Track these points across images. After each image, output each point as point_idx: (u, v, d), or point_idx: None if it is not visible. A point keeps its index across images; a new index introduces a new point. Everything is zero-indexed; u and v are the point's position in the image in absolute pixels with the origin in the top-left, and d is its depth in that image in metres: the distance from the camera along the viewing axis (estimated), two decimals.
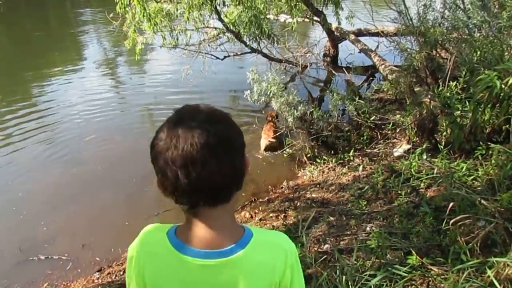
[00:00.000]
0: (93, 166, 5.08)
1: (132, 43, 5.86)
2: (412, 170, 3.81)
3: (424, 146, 4.09)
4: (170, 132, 0.82)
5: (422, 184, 3.64)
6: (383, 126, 5.30)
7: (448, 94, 4.28)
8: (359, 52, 7.15)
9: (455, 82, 4.35)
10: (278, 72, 5.68)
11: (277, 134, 5.04)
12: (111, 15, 5.85)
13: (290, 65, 7.41)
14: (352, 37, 7.23)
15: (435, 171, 3.56)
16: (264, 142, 5.10)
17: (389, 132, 5.12)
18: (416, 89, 4.91)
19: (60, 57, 10.20)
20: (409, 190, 3.64)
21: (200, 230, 0.86)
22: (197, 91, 7.00)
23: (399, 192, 3.61)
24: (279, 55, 7.52)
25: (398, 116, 5.14)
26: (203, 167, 0.77)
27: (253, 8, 5.50)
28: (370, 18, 6.56)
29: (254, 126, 5.66)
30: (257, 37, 5.98)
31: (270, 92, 4.59)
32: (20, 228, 4.07)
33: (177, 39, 6.44)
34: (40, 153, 5.40)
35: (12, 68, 9.26)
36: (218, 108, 0.88)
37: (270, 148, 5.12)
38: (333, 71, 7.49)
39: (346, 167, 4.70)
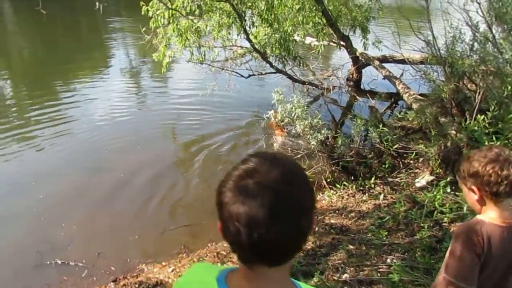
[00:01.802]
0: (114, 174, 5.17)
1: (162, 57, 6.01)
2: (436, 203, 3.74)
3: (448, 179, 4.02)
4: (240, 185, 0.78)
5: (445, 218, 3.57)
6: (405, 155, 5.24)
7: (475, 127, 4.21)
8: (383, 79, 7.15)
9: (482, 116, 4.29)
10: (301, 94, 5.75)
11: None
12: (143, 29, 6.03)
13: (313, 87, 7.44)
14: (377, 63, 7.26)
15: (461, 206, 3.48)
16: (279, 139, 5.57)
17: (411, 161, 5.05)
18: (442, 119, 4.87)
19: (88, 64, 10.57)
20: (432, 224, 3.57)
21: (252, 285, 0.83)
22: (220, 108, 7.13)
23: (422, 224, 3.55)
24: (302, 76, 7.59)
25: (421, 146, 5.08)
26: (267, 230, 0.73)
27: (281, 30, 5.60)
28: (395, 44, 6.58)
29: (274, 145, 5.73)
30: (283, 59, 6.06)
31: (295, 114, 4.59)
32: (39, 230, 4.15)
33: (204, 55, 6.57)
34: (63, 157, 5.55)
35: (41, 72, 9.65)
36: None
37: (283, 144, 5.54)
38: (356, 96, 7.53)
39: (367, 194, 4.65)
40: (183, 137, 6.25)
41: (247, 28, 5.93)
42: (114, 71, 9.87)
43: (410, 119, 5.87)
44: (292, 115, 4.70)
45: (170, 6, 5.00)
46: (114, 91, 8.26)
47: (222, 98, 7.40)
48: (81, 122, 6.66)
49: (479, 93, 4.49)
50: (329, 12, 6.49)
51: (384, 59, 7.64)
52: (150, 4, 5.46)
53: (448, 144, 4.32)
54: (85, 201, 4.62)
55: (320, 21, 6.37)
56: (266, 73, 7.22)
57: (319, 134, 4.59)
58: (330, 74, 8.00)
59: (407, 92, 6.14)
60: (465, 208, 3.47)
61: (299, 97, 4.75)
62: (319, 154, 5.09)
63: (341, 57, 7.81)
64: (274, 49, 5.63)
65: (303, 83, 7.27)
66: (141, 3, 5.52)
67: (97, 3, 5.98)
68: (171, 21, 5.06)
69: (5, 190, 4.76)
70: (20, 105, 7.52)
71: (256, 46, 6.17)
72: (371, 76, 7.91)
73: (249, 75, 7.08)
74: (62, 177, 5.08)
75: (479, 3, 4.77)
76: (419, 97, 5.86)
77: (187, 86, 8.36)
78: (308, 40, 7.90)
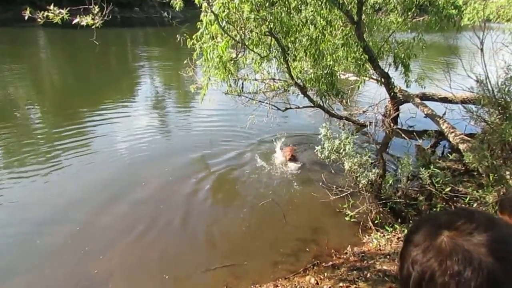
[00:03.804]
0: (150, 207, 5.13)
1: (205, 89, 6.10)
2: None
3: None
4: (440, 247, 0.67)
5: None
6: (455, 198, 5.04)
7: None
8: (425, 117, 7.07)
9: None
10: (342, 129, 5.69)
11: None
12: (185, 61, 6.19)
13: (349, 122, 7.40)
14: (417, 100, 7.20)
15: None
16: (287, 156, 6.20)
17: (464, 206, 4.84)
18: (499, 163, 4.69)
19: (116, 93, 10.88)
20: None
21: None
22: (253, 139, 7.16)
23: None
24: (338, 111, 7.59)
25: (471, 189, 4.90)
26: None
27: (326, 65, 5.63)
28: (432, 83, 6.58)
29: (320, 184, 5.70)
30: (325, 93, 6.06)
31: (343, 150, 4.50)
32: (77, 264, 4.05)
33: (242, 87, 6.65)
34: (95, 188, 5.52)
35: (69, 101, 9.92)
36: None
37: (293, 159, 6.21)
38: (393, 133, 7.43)
39: None
40: (218, 170, 6.23)
41: (289, 62, 5.98)
42: (142, 102, 10.09)
43: (467, 161, 5.69)
44: (340, 151, 4.57)
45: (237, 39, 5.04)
46: (148, 121, 8.44)
47: (255, 130, 7.47)
48: (112, 154, 6.71)
49: None
50: (370, 49, 6.53)
51: (424, 97, 7.60)
52: (196, 36, 5.59)
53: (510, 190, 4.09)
54: (123, 234, 4.55)
55: (361, 57, 6.39)
56: (303, 107, 7.24)
57: (370, 173, 4.43)
58: (366, 110, 8.02)
59: (452, 132, 6.00)
60: None
61: (348, 133, 4.63)
62: (366, 193, 4.93)
63: (378, 91, 7.79)
64: (320, 83, 5.63)
65: (340, 118, 7.23)
66: (186, 36, 5.65)
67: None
68: (220, 51, 5.12)
69: (40, 220, 4.71)
70: (49, 134, 7.60)
71: (297, 81, 6.18)
72: (409, 113, 7.85)
73: (286, 108, 7.12)
74: (96, 209, 5.03)
75: None
76: (466, 137, 5.70)
77: (222, 118, 8.49)
78: (345, 75, 7.96)
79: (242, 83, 6.66)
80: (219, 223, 4.88)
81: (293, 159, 6.26)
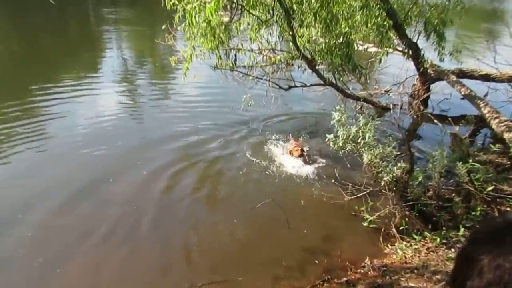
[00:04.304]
0: (121, 207, 5.12)
1: (188, 65, 6.03)
2: None
3: None
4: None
5: None
6: (498, 200, 5.09)
7: None
8: (462, 98, 7.10)
9: None
10: (360, 114, 5.71)
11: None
12: (163, 27, 6.10)
13: (369, 105, 7.41)
14: (453, 78, 7.21)
15: None
16: (294, 152, 6.19)
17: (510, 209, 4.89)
18: None
19: (75, 65, 10.76)
20: None
21: None
22: (247, 125, 7.17)
23: None
24: (355, 91, 7.59)
25: None
26: None
27: (339, 33, 5.59)
28: (478, 55, 6.58)
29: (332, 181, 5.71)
30: (338, 68, 6.03)
31: (361, 140, 4.50)
32: (27, 279, 4.04)
33: (235, 59, 6.59)
34: (52, 183, 5.50)
35: (15, 74, 9.72)
36: None
37: (301, 156, 6.17)
38: (421, 119, 7.48)
39: (453, 250, 4.47)
40: (206, 160, 6.25)
41: (295, 28, 5.92)
42: (107, 73, 10.02)
43: (500, 152, 5.72)
44: (358, 140, 4.57)
45: None
46: (121, 105, 8.34)
47: (251, 113, 7.48)
48: (74, 138, 6.70)
49: None
50: (395, 13, 6.49)
51: (461, 74, 7.60)
52: None
53: None
54: (86, 242, 4.52)
55: (384, 23, 6.35)
56: (311, 85, 7.23)
57: (394, 168, 4.44)
58: (388, 89, 8.03)
59: (496, 118, 6.02)
60: None
61: (367, 118, 4.62)
62: (389, 193, 4.96)
63: (403, 67, 7.76)
64: (332, 56, 5.59)
65: (357, 99, 7.23)
66: None
67: None
68: (208, 12, 5.05)
69: None
70: None
71: (304, 52, 6.15)
72: (442, 94, 7.86)
73: (290, 87, 7.09)
74: (53, 209, 5.00)
75: None
76: None
77: (209, 98, 8.49)
78: (364, 45, 7.88)
79: (235, 55, 6.60)
80: (206, 228, 4.88)
81: (301, 156, 6.24)
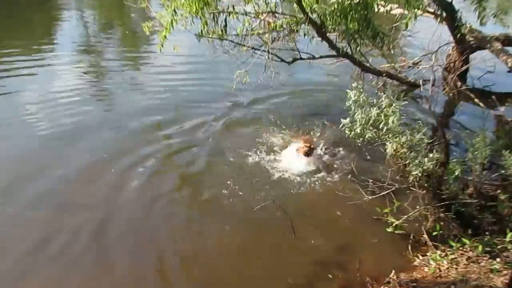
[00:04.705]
0: (85, 213, 5.05)
1: (166, 33, 5.88)
2: None
3: None
4: None
5: None
6: None
7: None
8: (509, 71, 7.05)
9: None
10: (382, 92, 5.59)
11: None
12: None
13: (393, 81, 7.31)
14: (498, 46, 7.10)
15: None
16: (301, 149, 6.06)
17: None
18: None
19: (26, 33, 10.58)
20: None
21: None
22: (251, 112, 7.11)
23: None
24: (375, 64, 7.48)
25: None
26: None
27: None
28: None
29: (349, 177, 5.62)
30: (354, 36, 5.89)
31: (384, 125, 4.36)
32: None
33: (225, 26, 6.44)
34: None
35: None
36: None
37: (309, 154, 6.05)
38: (458, 97, 7.43)
39: (499, 259, 4.38)
40: (187, 149, 6.25)
41: None
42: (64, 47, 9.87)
43: None
44: (380, 126, 4.46)
45: None
46: (82, 80, 8.28)
47: (246, 92, 7.42)
48: (22, 118, 6.67)
49: None
50: None
51: (508, 41, 7.52)
52: None
53: None
54: (42, 253, 4.45)
55: None
56: (320, 57, 7.10)
57: (425, 159, 4.31)
58: (418, 62, 7.93)
59: None
60: None
61: (392, 98, 4.49)
62: (419, 191, 4.84)
63: (436, 33, 7.62)
64: (347, 20, 5.45)
65: (379, 74, 7.11)
66: None
67: None
68: None
69: None
70: None
71: (312, 16, 6.02)
72: (484, 66, 7.81)
73: (294, 59, 6.95)
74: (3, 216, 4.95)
75: None
76: None
77: (192, 74, 8.41)
78: (384, 6, 7.79)
79: (225, 20, 6.45)
80: (189, 236, 4.82)
81: (308, 155, 6.08)
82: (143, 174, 5.71)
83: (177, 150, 6.28)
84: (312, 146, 6.14)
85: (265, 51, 6.73)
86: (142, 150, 6.19)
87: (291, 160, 6.03)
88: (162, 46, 6.17)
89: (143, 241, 4.72)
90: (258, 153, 6.22)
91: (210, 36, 6.44)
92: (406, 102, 4.98)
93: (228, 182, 5.64)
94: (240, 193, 5.50)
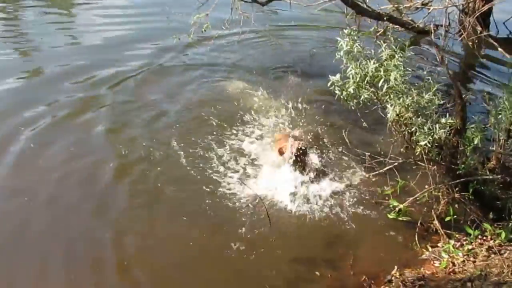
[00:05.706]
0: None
1: None
2: None
3: None
4: None
5: None
6: None
7: None
8: None
9: None
10: (382, 41, 5.57)
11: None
12: None
13: (397, 26, 7.35)
14: None
15: None
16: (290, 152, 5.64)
17: None
18: None
19: None
20: None
21: None
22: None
23: None
24: (374, 5, 7.43)
25: None
26: None
27: None
28: None
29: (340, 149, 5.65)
30: None
31: (384, 82, 4.35)
32: None
33: None
34: None
35: None
36: None
37: (300, 159, 5.65)
38: (478, 46, 7.48)
39: None
40: (129, 120, 6.35)
41: None
42: None
43: None
44: (379, 83, 4.45)
45: None
46: None
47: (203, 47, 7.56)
48: None
49: None
50: None
51: None
52: None
53: None
54: None
55: None
56: None
57: (436, 126, 4.31)
58: (428, 2, 7.92)
59: None
60: None
61: (395, 47, 4.48)
62: (428, 165, 4.88)
63: None
64: None
65: (378, 18, 7.08)
66: None
67: None
68: None
69: None
70: None
71: None
72: (510, 8, 7.90)
73: (269, 0, 6.86)
74: None
75: None
76: None
77: (136, 16, 8.70)
78: None
79: None
80: (134, 229, 4.81)
81: (300, 159, 5.76)
82: (71, 154, 5.76)
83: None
84: (302, 150, 5.71)
85: None
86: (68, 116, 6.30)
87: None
88: None
89: (75, 236, 4.71)
90: (221, 113, 6.41)
91: None
92: (412, 53, 4.97)
93: (182, 154, 5.69)
94: (198, 167, 5.52)
